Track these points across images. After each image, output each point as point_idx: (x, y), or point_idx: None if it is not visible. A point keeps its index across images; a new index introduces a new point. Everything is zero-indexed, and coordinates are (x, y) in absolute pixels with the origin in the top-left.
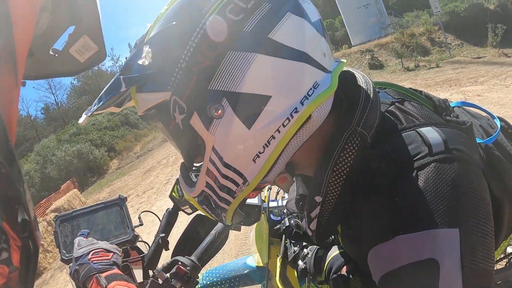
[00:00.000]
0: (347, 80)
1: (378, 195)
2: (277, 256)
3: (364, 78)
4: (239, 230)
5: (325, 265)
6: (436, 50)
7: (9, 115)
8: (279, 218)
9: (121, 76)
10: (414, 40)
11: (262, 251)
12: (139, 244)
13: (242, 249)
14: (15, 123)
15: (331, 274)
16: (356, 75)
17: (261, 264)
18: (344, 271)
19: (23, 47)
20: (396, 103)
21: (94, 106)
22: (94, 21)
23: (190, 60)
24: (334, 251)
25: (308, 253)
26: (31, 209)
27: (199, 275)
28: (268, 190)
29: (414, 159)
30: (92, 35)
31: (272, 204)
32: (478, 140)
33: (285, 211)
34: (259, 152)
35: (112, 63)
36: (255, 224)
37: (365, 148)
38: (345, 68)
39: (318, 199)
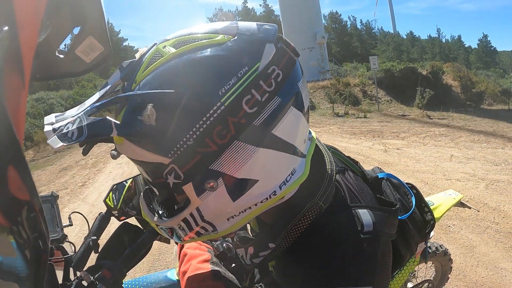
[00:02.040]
0: (313, 158)
1: (320, 255)
2: None
3: (329, 157)
4: (169, 242)
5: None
6: (367, 102)
7: (17, 116)
8: None
9: (113, 121)
10: (348, 89)
11: None
12: (65, 245)
13: (155, 265)
14: (23, 124)
15: (255, 281)
16: (324, 154)
17: None
18: (266, 281)
19: (29, 50)
20: (340, 172)
21: (73, 136)
22: (99, 22)
23: (197, 140)
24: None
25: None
26: (40, 209)
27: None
28: None
29: (350, 234)
30: (97, 35)
31: None
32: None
33: None
34: (235, 215)
35: None
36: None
37: (318, 219)
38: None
39: (271, 245)
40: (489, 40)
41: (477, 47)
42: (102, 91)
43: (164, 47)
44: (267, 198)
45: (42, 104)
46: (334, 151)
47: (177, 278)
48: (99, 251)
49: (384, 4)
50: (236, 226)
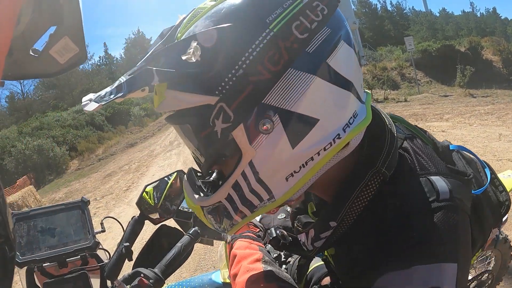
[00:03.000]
0: (372, 118)
1: (392, 227)
2: None
3: (387, 119)
4: (212, 244)
5: (306, 274)
6: (406, 85)
7: None
8: None
9: (154, 68)
10: (385, 73)
11: None
12: (99, 252)
13: (201, 264)
14: None
15: (311, 284)
16: (381, 113)
17: (228, 280)
18: (325, 282)
19: (2, 47)
20: (407, 139)
21: (112, 95)
22: (76, 22)
23: (248, 68)
24: (317, 262)
25: (290, 261)
26: (6, 213)
27: None
28: None
29: (425, 202)
30: (73, 36)
31: None
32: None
33: (260, 226)
34: (294, 171)
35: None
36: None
37: (382, 188)
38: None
39: (333, 224)
40: None
41: None
42: (143, 58)
43: (204, 3)
44: (330, 144)
45: (83, 115)
46: (401, 118)
47: (222, 280)
48: (133, 257)
49: None
50: (296, 188)
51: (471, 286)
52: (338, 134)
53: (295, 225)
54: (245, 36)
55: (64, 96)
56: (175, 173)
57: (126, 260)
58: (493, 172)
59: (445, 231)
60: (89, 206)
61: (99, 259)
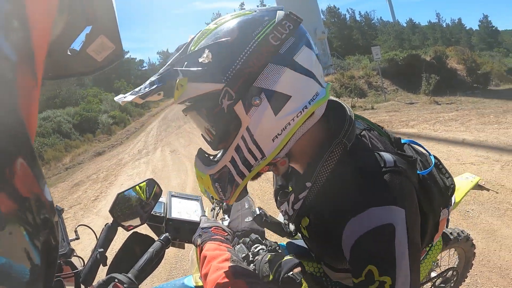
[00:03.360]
0: (336, 106)
1: (351, 187)
2: None
3: (348, 109)
4: (183, 247)
5: (276, 266)
6: (373, 93)
7: (29, 114)
8: None
9: (179, 68)
10: (353, 82)
11: None
12: (74, 259)
13: (172, 274)
14: (36, 121)
15: (281, 274)
16: (343, 104)
17: (200, 284)
18: (295, 272)
19: (41, 49)
20: (365, 130)
21: (146, 88)
22: (110, 21)
23: (243, 64)
24: (286, 256)
25: (257, 258)
26: (52, 206)
27: None
28: (211, 211)
29: (376, 167)
30: (109, 34)
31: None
32: (418, 172)
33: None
34: (278, 134)
35: None
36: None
37: (345, 155)
38: (334, 98)
39: (308, 184)
40: (490, 21)
41: (478, 28)
42: (168, 63)
43: (208, 26)
44: (301, 112)
45: (50, 122)
46: (362, 116)
47: (194, 284)
48: (108, 263)
49: None
50: (280, 147)
51: (437, 282)
52: (305, 106)
53: (278, 199)
54: (240, 45)
55: None
56: (145, 182)
57: (101, 266)
58: (438, 160)
59: (392, 185)
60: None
61: (73, 267)
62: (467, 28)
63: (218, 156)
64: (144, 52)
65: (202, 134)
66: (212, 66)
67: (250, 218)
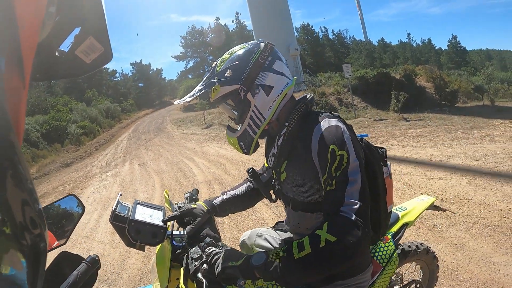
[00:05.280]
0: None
1: (311, 120)
2: (177, 279)
3: (310, 95)
4: (144, 250)
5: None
6: (343, 109)
7: (17, 116)
8: (180, 244)
9: (215, 80)
10: (324, 98)
11: (163, 274)
12: None
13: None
14: (23, 123)
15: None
16: (307, 95)
17: None
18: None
19: (29, 50)
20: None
21: (197, 92)
22: (100, 22)
23: (248, 74)
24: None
25: (206, 268)
26: (39, 208)
27: None
28: (172, 221)
29: (324, 116)
30: (98, 36)
31: (175, 232)
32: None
33: (185, 238)
34: (270, 106)
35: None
36: (156, 252)
37: (306, 110)
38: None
39: (286, 124)
40: (459, 41)
41: (447, 48)
42: (206, 76)
43: (224, 56)
44: (280, 93)
45: None
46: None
47: None
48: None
49: (355, 14)
50: (272, 113)
51: None
52: (282, 90)
53: (267, 148)
54: (245, 64)
55: None
56: (119, 195)
57: None
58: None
59: (336, 119)
60: None
61: None
62: (436, 47)
63: (239, 127)
64: (117, 62)
65: (229, 116)
66: (232, 77)
67: (208, 226)
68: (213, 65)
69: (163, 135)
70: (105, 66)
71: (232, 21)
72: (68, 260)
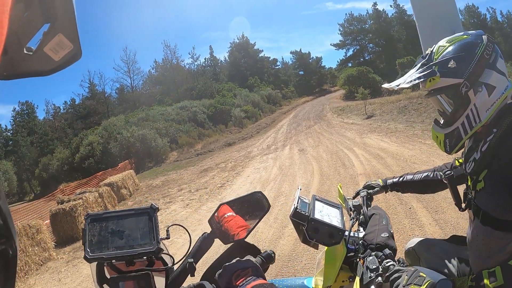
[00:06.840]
0: None
1: None
2: (342, 281)
3: None
4: (317, 248)
5: None
6: None
7: None
8: (353, 247)
9: (436, 69)
10: None
11: (330, 274)
12: (164, 256)
13: (282, 271)
14: None
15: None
16: None
17: None
18: None
19: None
20: None
21: (415, 79)
22: (70, 19)
23: (473, 68)
24: (435, 277)
25: (394, 277)
26: (9, 214)
27: None
28: (350, 220)
29: None
30: (67, 33)
31: (351, 234)
32: None
33: (361, 242)
34: (489, 108)
35: (191, 61)
36: (325, 248)
37: None
38: None
39: (494, 130)
40: None
41: None
42: (418, 65)
43: (442, 43)
44: (501, 94)
45: (186, 111)
46: None
47: (313, 286)
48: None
49: None
50: (490, 115)
51: None
52: (503, 92)
53: (467, 153)
54: (470, 57)
55: (170, 92)
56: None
57: (190, 276)
58: None
59: None
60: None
61: (164, 262)
62: None
63: (452, 124)
64: (277, 51)
65: (438, 109)
66: (456, 70)
67: (387, 234)
68: (428, 51)
69: (323, 123)
70: (266, 55)
71: (391, 5)
72: (243, 250)
